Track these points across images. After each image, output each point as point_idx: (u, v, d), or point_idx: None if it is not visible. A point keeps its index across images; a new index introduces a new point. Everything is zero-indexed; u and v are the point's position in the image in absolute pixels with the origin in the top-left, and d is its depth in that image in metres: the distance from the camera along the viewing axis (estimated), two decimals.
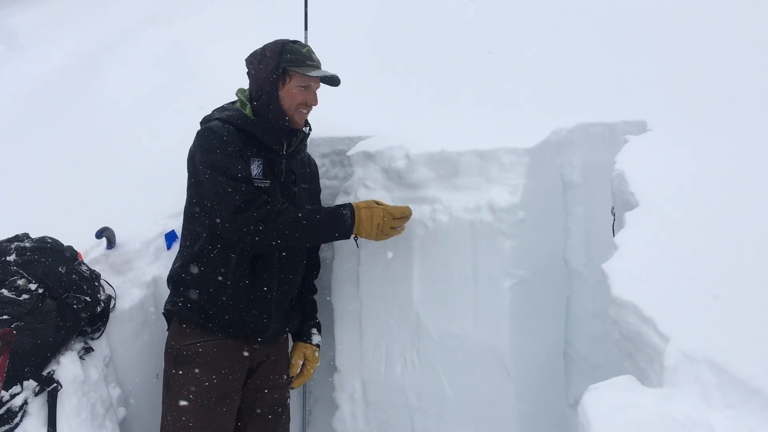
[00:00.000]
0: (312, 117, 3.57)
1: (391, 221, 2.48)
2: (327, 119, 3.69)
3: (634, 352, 1.71)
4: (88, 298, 2.43)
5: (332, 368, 3.27)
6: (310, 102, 2.64)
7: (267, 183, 2.53)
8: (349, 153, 3.28)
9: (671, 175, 2.32)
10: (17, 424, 2.17)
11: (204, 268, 2.52)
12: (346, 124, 3.70)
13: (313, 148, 3.60)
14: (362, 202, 2.54)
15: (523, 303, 2.84)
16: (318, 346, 3.00)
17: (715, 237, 1.89)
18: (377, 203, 2.54)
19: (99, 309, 2.53)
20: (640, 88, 3.49)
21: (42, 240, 2.50)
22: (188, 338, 2.51)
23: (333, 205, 2.57)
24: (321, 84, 2.73)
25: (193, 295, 2.52)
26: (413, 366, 2.93)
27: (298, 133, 2.70)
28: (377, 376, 3.03)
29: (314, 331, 3.00)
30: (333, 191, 3.50)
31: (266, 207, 2.38)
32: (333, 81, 2.66)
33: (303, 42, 2.68)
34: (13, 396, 2.18)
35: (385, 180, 3.05)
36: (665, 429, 1.34)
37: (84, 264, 2.60)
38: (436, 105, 3.90)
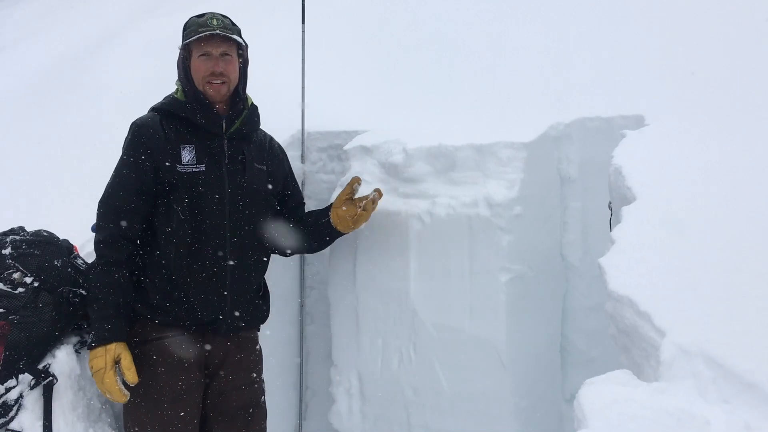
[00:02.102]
0: (309, 110, 3.58)
1: (99, 383, 2.26)
2: (324, 113, 3.68)
3: (630, 347, 1.72)
4: (83, 292, 2.42)
5: (329, 362, 3.27)
6: (214, 69, 2.42)
7: (201, 167, 2.42)
8: (346, 147, 3.27)
9: (668, 169, 2.32)
10: (12, 418, 2.16)
11: (148, 258, 2.43)
12: (343, 118, 3.69)
13: (310, 143, 3.60)
14: (113, 350, 2.26)
15: (520, 297, 2.84)
16: None
17: (712, 232, 1.89)
18: (115, 363, 2.27)
19: None
20: (637, 83, 3.48)
21: (37, 233, 2.49)
22: (141, 336, 2.41)
23: (114, 311, 2.30)
24: (240, 54, 2.51)
25: (144, 288, 2.43)
26: (410, 360, 2.93)
27: (242, 112, 2.53)
28: (374, 370, 3.04)
29: None
30: (330, 185, 3.50)
31: (119, 237, 2.34)
32: (222, 36, 2.41)
33: (214, 12, 2.47)
34: (8, 390, 2.17)
35: (382, 174, 3.05)
36: (660, 423, 1.35)
37: (80, 257, 2.59)
38: (434, 99, 3.89)
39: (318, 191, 3.59)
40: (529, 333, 2.93)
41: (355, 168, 3.13)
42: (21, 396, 2.20)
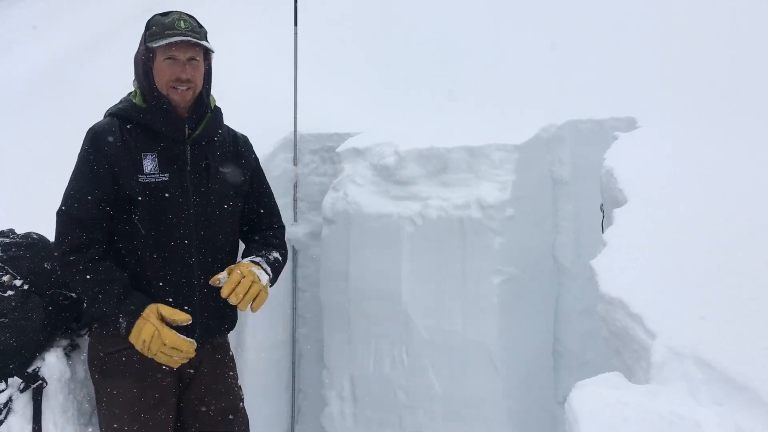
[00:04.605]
0: (301, 113, 3.57)
1: (161, 346, 2.16)
2: (317, 115, 3.68)
3: (621, 349, 1.71)
4: (74, 295, 2.40)
5: (321, 365, 3.26)
6: (180, 75, 2.32)
7: (165, 177, 2.34)
8: (339, 149, 3.27)
9: (660, 171, 2.32)
10: (1, 422, 2.14)
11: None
12: (336, 120, 3.68)
13: (302, 145, 3.59)
14: (151, 311, 2.18)
15: (512, 300, 2.84)
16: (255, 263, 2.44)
17: (704, 234, 1.89)
18: (162, 321, 2.17)
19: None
20: (629, 85, 3.49)
21: (27, 236, 2.47)
22: (110, 345, 2.34)
23: (124, 290, 2.21)
24: (205, 57, 2.38)
25: None
26: (402, 363, 2.92)
27: (205, 115, 2.41)
28: (366, 373, 3.03)
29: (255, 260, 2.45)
30: (322, 188, 3.49)
31: (87, 241, 2.19)
32: (193, 43, 2.30)
33: (180, 12, 2.36)
34: None
35: (374, 176, 3.04)
36: (652, 426, 1.34)
37: None
38: (426, 101, 3.89)
39: (310, 193, 3.59)
40: (522, 335, 2.93)
41: (347, 170, 3.13)
42: (10, 399, 2.18)
